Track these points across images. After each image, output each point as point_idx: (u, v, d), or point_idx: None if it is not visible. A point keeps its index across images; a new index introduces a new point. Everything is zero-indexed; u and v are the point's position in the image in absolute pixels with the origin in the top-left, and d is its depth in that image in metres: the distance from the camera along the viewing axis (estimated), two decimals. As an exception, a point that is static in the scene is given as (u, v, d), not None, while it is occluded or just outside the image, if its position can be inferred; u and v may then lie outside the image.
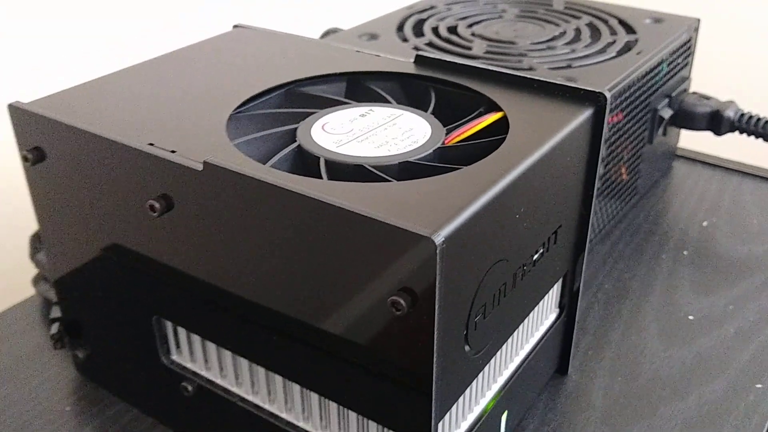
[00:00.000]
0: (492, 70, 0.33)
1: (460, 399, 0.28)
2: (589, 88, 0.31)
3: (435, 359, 0.23)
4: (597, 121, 0.31)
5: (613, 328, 0.41)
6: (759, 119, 0.50)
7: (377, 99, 0.34)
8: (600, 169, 0.32)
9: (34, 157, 0.32)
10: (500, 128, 0.30)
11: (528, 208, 0.27)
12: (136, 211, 0.29)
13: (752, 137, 0.50)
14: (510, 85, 0.33)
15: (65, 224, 0.33)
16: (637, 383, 0.38)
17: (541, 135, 0.28)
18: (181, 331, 0.32)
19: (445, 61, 0.34)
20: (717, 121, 0.50)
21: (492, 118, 0.30)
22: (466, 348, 0.26)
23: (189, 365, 0.32)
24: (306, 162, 0.29)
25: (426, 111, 0.32)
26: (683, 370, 0.38)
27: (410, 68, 0.35)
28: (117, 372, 0.36)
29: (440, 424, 0.26)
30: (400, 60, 0.36)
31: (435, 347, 0.23)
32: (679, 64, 0.51)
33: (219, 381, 0.32)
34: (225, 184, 0.26)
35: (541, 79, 0.32)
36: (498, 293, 0.27)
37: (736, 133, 0.51)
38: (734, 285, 0.45)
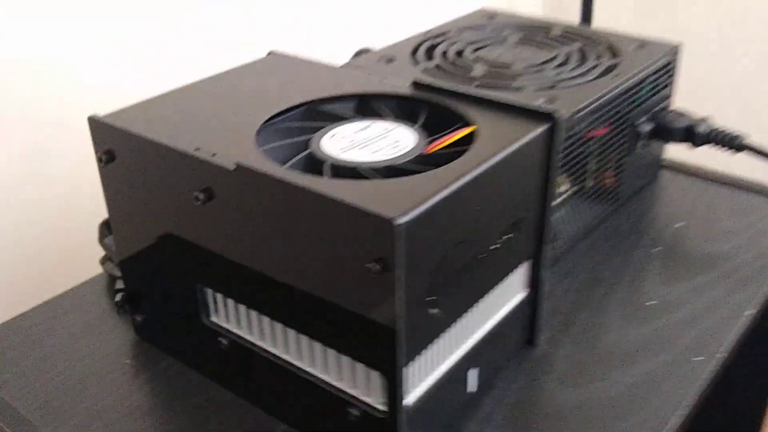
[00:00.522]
0: (468, 94, 0.41)
1: (431, 350, 0.36)
2: (543, 108, 0.38)
3: (397, 311, 0.31)
4: (551, 135, 0.39)
5: (582, 310, 0.49)
6: (728, 134, 0.57)
7: (379, 115, 0.42)
8: (555, 175, 0.40)
9: (106, 158, 0.41)
10: (469, 140, 0.37)
11: (485, 202, 0.35)
12: (185, 200, 0.37)
13: (723, 149, 0.57)
14: (483, 105, 0.40)
15: (129, 212, 0.42)
16: (595, 353, 0.45)
17: (499, 146, 0.36)
18: (219, 297, 0.40)
19: (434, 86, 0.42)
20: (691, 135, 0.57)
21: (464, 132, 0.38)
22: (433, 311, 0.34)
23: (224, 324, 0.41)
24: (315, 165, 0.37)
25: (415, 125, 0.40)
26: (636, 345, 0.46)
27: (407, 91, 0.43)
28: (167, 333, 0.45)
29: (411, 366, 0.34)
30: (400, 84, 0.44)
31: (398, 302, 0.31)
32: (660, 84, 0.58)
33: (247, 336, 0.40)
34: (251, 181, 0.34)
35: (505, 100, 0.40)
36: (460, 268, 0.35)
37: (711, 145, 0.58)
38: (694, 277, 0.51)
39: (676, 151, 0.64)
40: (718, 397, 0.70)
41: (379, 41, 0.67)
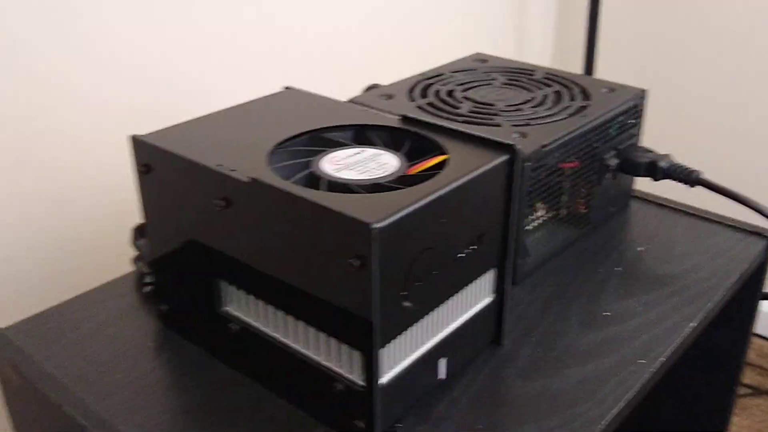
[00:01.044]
0: (445, 127, 0.49)
1: (404, 338, 0.43)
2: (505, 141, 0.46)
3: (375, 300, 0.39)
4: (511, 163, 0.46)
5: (545, 317, 0.56)
6: (685, 169, 0.64)
7: (371, 143, 0.50)
8: (516, 198, 0.48)
9: (144, 170, 0.49)
10: (444, 165, 0.45)
11: (451, 216, 0.43)
12: (206, 207, 0.45)
13: (681, 183, 0.64)
14: (457, 137, 0.48)
15: (161, 216, 0.50)
16: (553, 354, 0.52)
17: (465, 170, 0.44)
18: (231, 289, 0.48)
19: (418, 120, 0.50)
20: (653, 170, 0.65)
21: (439, 159, 0.46)
22: (406, 303, 0.42)
23: (235, 312, 0.49)
24: (314, 181, 0.45)
25: (400, 152, 0.48)
26: (589, 348, 0.53)
27: (397, 123, 0.51)
28: (186, 320, 0.53)
29: (386, 349, 0.42)
30: (392, 117, 0.52)
31: (375, 293, 0.39)
32: (627, 123, 0.66)
33: (253, 322, 0.48)
34: (262, 192, 0.42)
35: (475, 134, 0.47)
36: (429, 270, 0.43)
37: (670, 179, 0.65)
38: (648, 293, 0.59)
39: (646, 185, 0.72)
40: (686, 396, 0.76)
41: (389, 79, 0.75)
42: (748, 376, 1.44)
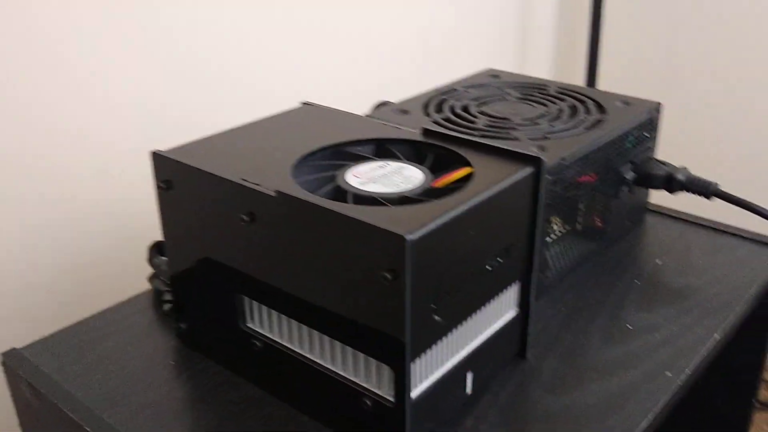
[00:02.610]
0: (468, 140, 0.49)
1: (432, 352, 0.43)
2: (530, 153, 0.46)
3: (408, 315, 0.38)
4: (537, 176, 0.46)
5: (568, 330, 0.55)
6: (702, 181, 0.64)
7: (394, 157, 0.50)
8: (541, 211, 0.47)
9: (166, 186, 0.48)
10: (469, 178, 0.45)
11: (479, 229, 0.42)
12: (231, 223, 0.45)
13: (698, 195, 0.64)
14: (481, 150, 0.48)
15: (182, 233, 0.49)
16: (577, 367, 0.52)
17: (492, 183, 0.43)
18: (254, 305, 0.48)
19: (440, 133, 0.50)
20: (670, 182, 0.65)
21: (464, 171, 0.46)
22: (436, 317, 0.41)
23: (258, 329, 0.48)
24: (340, 194, 0.45)
25: (423, 165, 0.48)
26: (614, 362, 0.52)
27: (418, 137, 0.51)
28: (207, 338, 0.52)
29: (416, 363, 0.41)
30: (412, 131, 0.52)
31: (408, 307, 0.38)
32: (642, 136, 0.65)
33: (278, 339, 0.47)
34: (289, 206, 0.42)
35: (500, 146, 0.47)
36: (458, 283, 0.42)
37: (688, 192, 0.65)
38: (669, 306, 0.58)
39: (659, 198, 0.72)
40: (704, 412, 0.76)
41: (398, 95, 0.75)
42: (756, 392, 1.43)
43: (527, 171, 0.46)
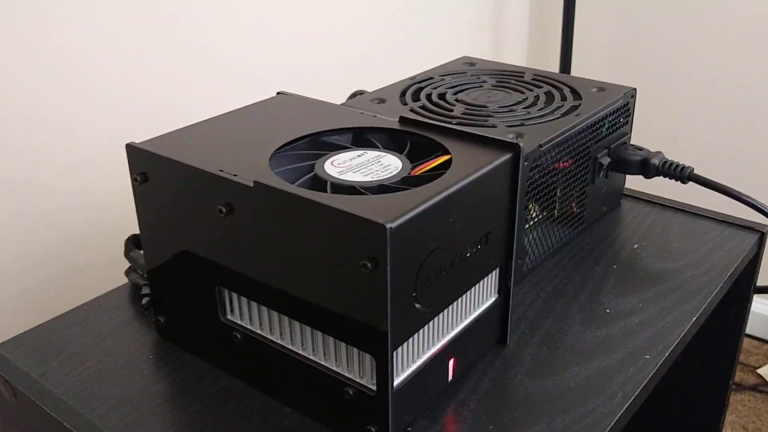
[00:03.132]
0: (446, 127, 0.49)
1: (414, 340, 0.43)
2: (508, 140, 0.46)
3: (389, 303, 0.38)
4: (515, 162, 0.46)
5: (547, 317, 0.56)
6: (678, 165, 0.64)
7: (372, 145, 0.49)
8: (521, 197, 0.47)
9: (141, 179, 0.48)
10: (448, 165, 0.45)
11: (459, 216, 0.42)
12: (208, 214, 0.45)
13: (673, 180, 0.65)
14: (459, 137, 0.48)
15: (159, 226, 0.49)
16: (557, 352, 0.52)
17: (471, 170, 0.43)
18: (234, 297, 0.47)
19: (418, 121, 0.50)
20: (645, 167, 0.65)
21: (442, 159, 0.46)
22: (417, 305, 0.41)
23: (238, 321, 0.48)
24: (319, 184, 0.44)
25: (402, 153, 0.48)
26: (593, 345, 0.53)
27: (395, 125, 0.51)
28: (186, 331, 0.52)
29: (398, 352, 0.41)
30: (390, 119, 0.52)
31: (389, 295, 0.38)
32: (618, 122, 0.66)
33: (258, 330, 0.47)
34: (267, 196, 0.41)
35: (477, 133, 0.47)
36: (439, 271, 0.42)
37: (662, 177, 0.66)
38: (647, 290, 0.59)
39: (636, 182, 0.72)
40: (681, 394, 0.77)
41: (372, 84, 0.75)
42: (731, 373, 1.45)
43: (506, 157, 0.46)
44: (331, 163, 0.46)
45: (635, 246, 0.65)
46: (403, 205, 0.39)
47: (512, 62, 1.34)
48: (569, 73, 1.30)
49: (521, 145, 0.46)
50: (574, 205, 0.65)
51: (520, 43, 1.41)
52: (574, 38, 1.29)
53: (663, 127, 1.39)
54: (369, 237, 0.37)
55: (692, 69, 1.34)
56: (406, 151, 0.48)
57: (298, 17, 0.96)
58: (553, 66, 1.40)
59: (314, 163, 0.46)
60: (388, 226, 0.37)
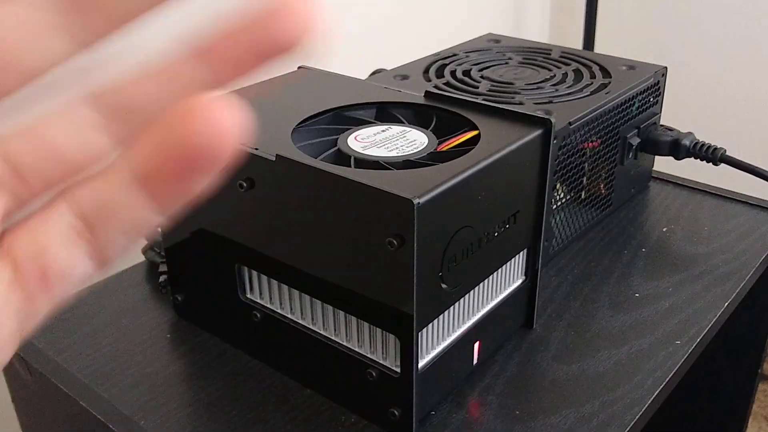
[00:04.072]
0: (474, 102, 0.47)
1: (439, 321, 0.42)
2: (539, 115, 0.44)
3: (415, 282, 0.37)
4: (546, 138, 0.44)
5: (575, 299, 0.54)
6: (709, 147, 0.62)
7: (396, 120, 0.48)
8: (550, 176, 0.46)
9: (159, 153, 0.46)
10: (475, 141, 0.43)
11: (487, 193, 0.41)
12: (229, 189, 0.43)
13: (704, 162, 0.63)
14: (487, 112, 0.46)
15: (177, 201, 0.47)
16: (585, 336, 0.50)
17: (500, 145, 0.42)
18: (254, 275, 0.46)
19: (444, 95, 0.48)
20: (676, 148, 0.63)
21: (470, 134, 0.44)
22: (443, 285, 0.40)
23: (258, 300, 0.47)
24: (343, 158, 0.43)
25: (428, 129, 0.46)
26: (622, 330, 0.51)
27: (421, 100, 0.49)
28: (204, 310, 0.50)
29: (423, 333, 0.40)
30: (415, 94, 0.50)
31: (415, 274, 0.37)
32: (648, 101, 0.64)
33: (279, 310, 0.46)
34: (289, 170, 0.40)
35: (507, 108, 0.46)
36: (466, 250, 0.41)
37: (693, 158, 0.63)
38: (676, 274, 0.57)
39: (666, 164, 0.70)
40: (708, 381, 0.75)
41: (393, 62, 0.73)
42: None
43: (536, 133, 0.44)
44: (355, 137, 0.45)
45: (664, 229, 0.63)
46: (430, 181, 0.37)
47: (534, 39, 1.32)
48: (592, 50, 1.27)
49: (553, 120, 0.44)
50: (602, 186, 0.63)
51: (542, 20, 1.38)
52: (598, 15, 1.26)
53: (692, 107, 1.35)
54: (395, 213, 0.36)
55: (725, 46, 1.30)
56: (431, 127, 0.47)
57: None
58: (576, 43, 1.37)
59: (337, 138, 0.45)
60: (416, 201, 0.35)
